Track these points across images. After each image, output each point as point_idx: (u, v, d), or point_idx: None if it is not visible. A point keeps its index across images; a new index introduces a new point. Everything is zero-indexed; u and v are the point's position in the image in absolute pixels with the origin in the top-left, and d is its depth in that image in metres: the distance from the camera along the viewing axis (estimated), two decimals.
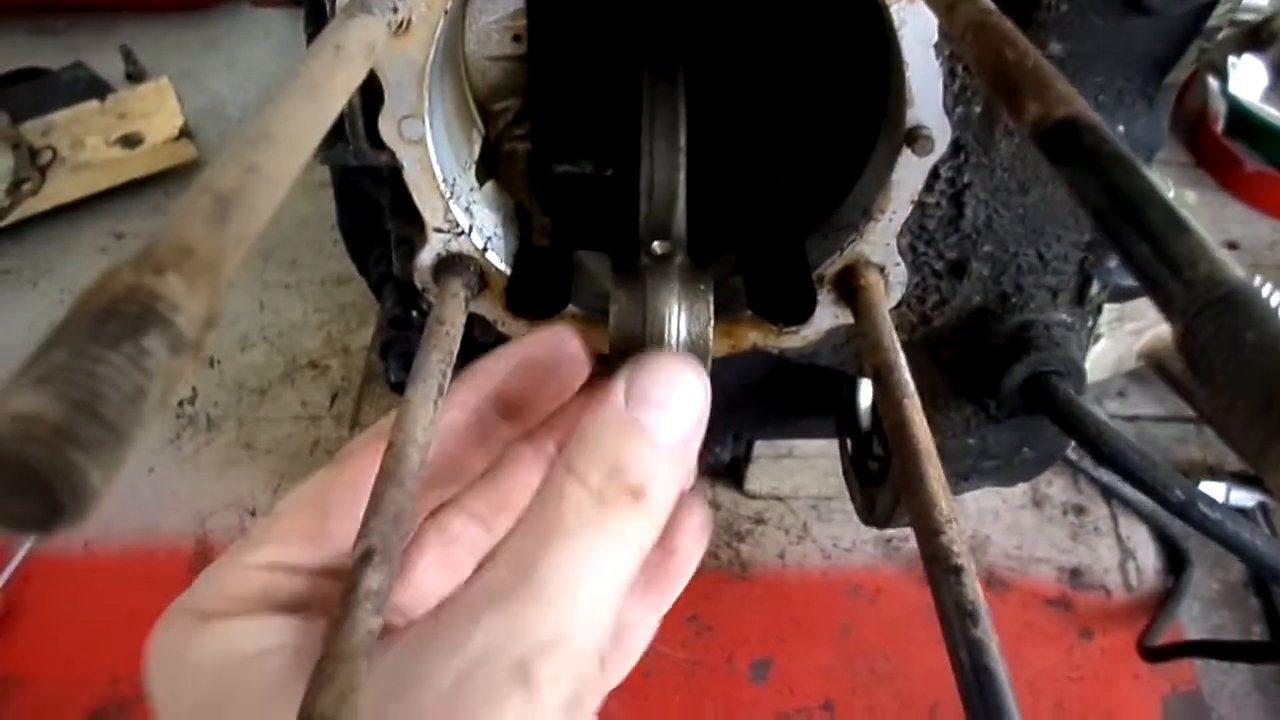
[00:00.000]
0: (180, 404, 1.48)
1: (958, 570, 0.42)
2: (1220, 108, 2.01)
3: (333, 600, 0.40)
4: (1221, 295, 0.23)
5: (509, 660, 0.37)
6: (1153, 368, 1.53)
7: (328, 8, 0.56)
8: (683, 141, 0.65)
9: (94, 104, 1.80)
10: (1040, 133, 0.32)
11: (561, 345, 0.55)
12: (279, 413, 1.50)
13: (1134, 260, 0.27)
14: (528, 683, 0.37)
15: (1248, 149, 1.99)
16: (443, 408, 0.51)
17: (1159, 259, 0.25)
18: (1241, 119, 1.99)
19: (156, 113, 1.79)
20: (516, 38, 0.71)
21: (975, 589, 0.42)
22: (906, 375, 0.53)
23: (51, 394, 0.19)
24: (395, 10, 0.41)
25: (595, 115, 0.76)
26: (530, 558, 0.41)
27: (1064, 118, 0.31)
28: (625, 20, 0.73)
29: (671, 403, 0.46)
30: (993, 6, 0.40)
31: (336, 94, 0.35)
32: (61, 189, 1.71)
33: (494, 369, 0.54)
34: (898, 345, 0.55)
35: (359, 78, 0.37)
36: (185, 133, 1.78)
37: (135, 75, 2.05)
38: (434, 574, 0.52)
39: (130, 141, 1.75)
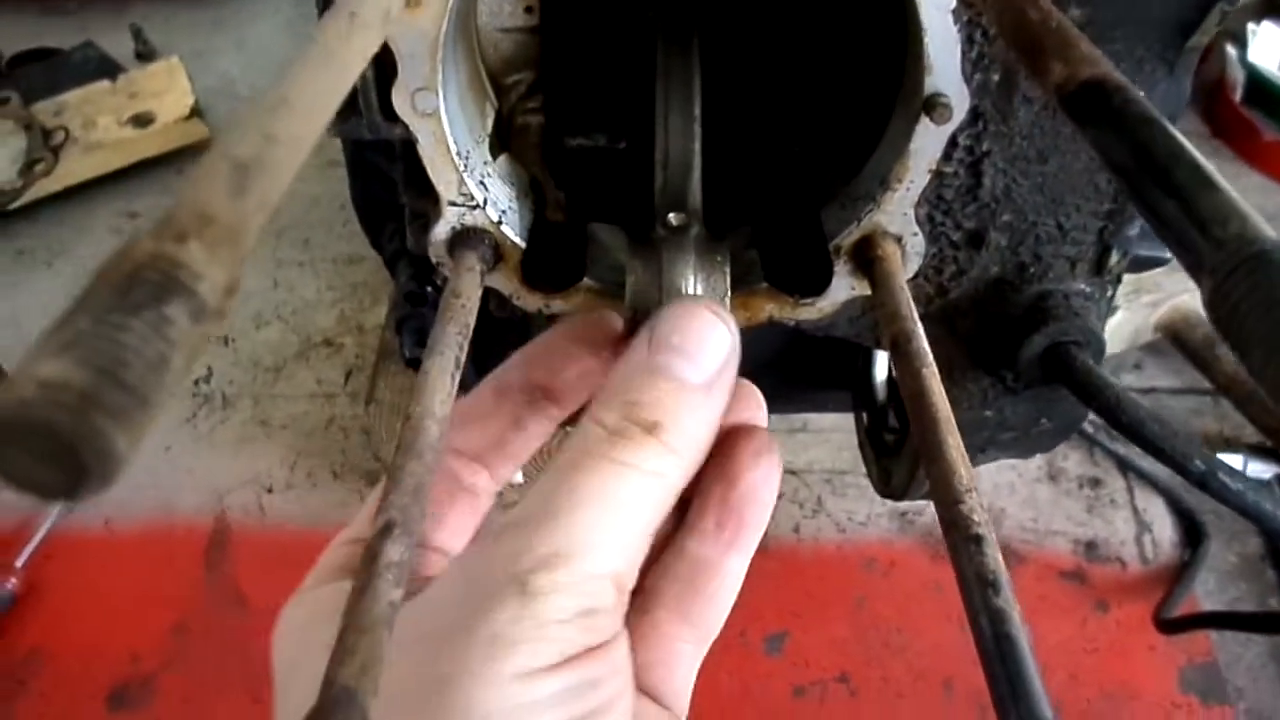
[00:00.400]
0: (196, 382, 1.49)
1: (978, 539, 0.42)
2: (1238, 76, 1.99)
3: None
4: (1255, 254, 0.23)
5: (510, 572, 0.39)
6: (1170, 340, 1.52)
7: None
8: (697, 112, 0.64)
9: (105, 84, 1.81)
10: (1065, 94, 0.32)
11: (569, 335, 0.56)
12: (294, 390, 1.50)
13: (1161, 219, 0.26)
14: (524, 590, 0.39)
15: (1266, 118, 1.97)
16: (486, 394, 0.54)
17: (1188, 217, 0.25)
18: (1260, 88, 1.97)
19: (167, 92, 1.79)
20: (529, 9, 0.70)
21: (996, 558, 0.42)
22: (924, 344, 0.53)
23: (76, 360, 0.19)
24: None
25: (608, 87, 0.75)
26: (545, 492, 0.43)
27: (1090, 78, 0.31)
28: None
29: (691, 345, 0.47)
30: None
31: (353, 60, 0.34)
32: (74, 169, 1.71)
33: (519, 361, 0.56)
34: (915, 315, 0.55)
35: (375, 45, 0.37)
36: (196, 112, 1.78)
37: (145, 55, 2.04)
38: None
39: (142, 121, 1.75)
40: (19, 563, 1.29)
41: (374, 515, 0.52)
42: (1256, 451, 1.46)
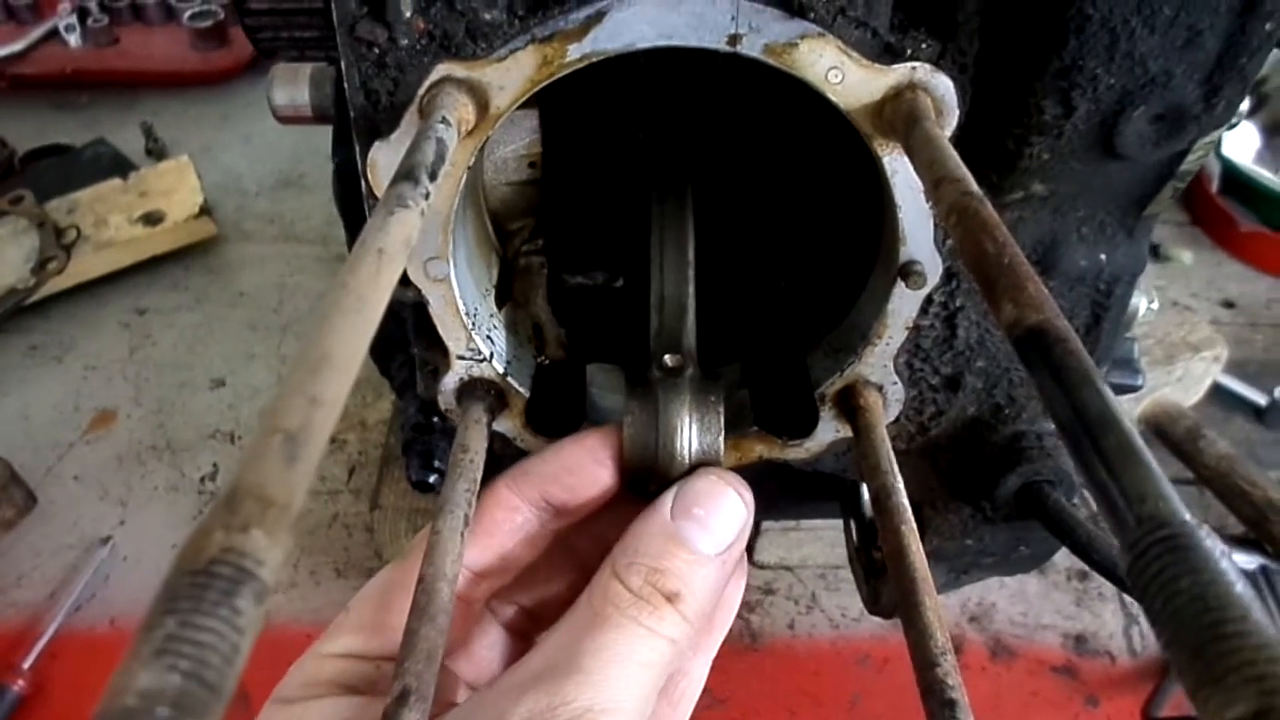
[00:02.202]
0: (202, 480, 1.52)
1: (951, 704, 0.45)
2: (1215, 168, 2.05)
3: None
4: (1163, 537, 0.26)
5: None
6: (1152, 433, 1.55)
7: (358, 159, 0.60)
8: (691, 256, 0.69)
9: (116, 182, 1.85)
10: (1013, 335, 0.36)
11: (593, 454, 0.59)
12: None
13: (1092, 478, 0.30)
14: None
15: (1242, 208, 2.03)
16: (495, 510, 0.57)
17: (1114, 485, 0.29)
18: (1235, 180, 2.03)
19: (177, 190, 1.84)
20: (531, 164, 0.75)
21: None
22: (904, 500, 0.56)
23: (166, 667, 0.23)
24: (428, 196, 0.44)
25: (606, 230, 0.79)
26: (572, 643, 0.47)
27: (1035, 325, 0.35)
28: (636, 146, 0.77)
29: (711, 519, 0.52)
30: (975, 189, 0.43)
31: (381, 296, 0.38)
32: (85, 267, 1.75)
33: (538, 473, 0.58)
34: (896, 469, 0.58)
35: (399, 271, 0.41)
36: (205, 210, 1.83)
37: (156, 151, 2.10)
38: (490, 652, 0.59)
39: (152, 219, 1.80)
40: (26, 664, 1.31)
41: (354, 626, 0.54)
42: (1241, 543, 1.48)
